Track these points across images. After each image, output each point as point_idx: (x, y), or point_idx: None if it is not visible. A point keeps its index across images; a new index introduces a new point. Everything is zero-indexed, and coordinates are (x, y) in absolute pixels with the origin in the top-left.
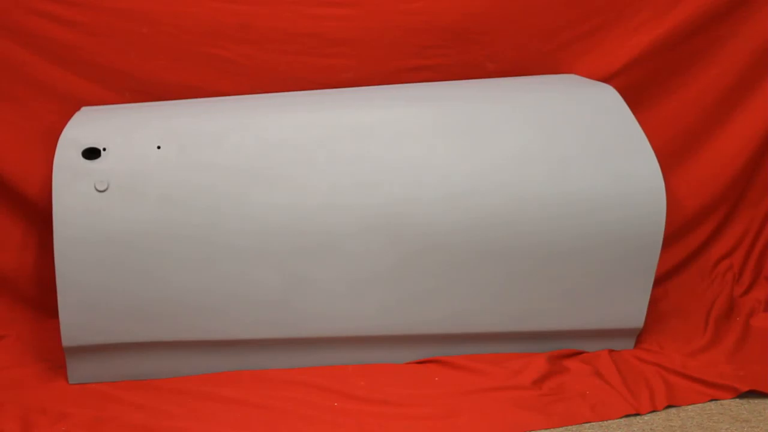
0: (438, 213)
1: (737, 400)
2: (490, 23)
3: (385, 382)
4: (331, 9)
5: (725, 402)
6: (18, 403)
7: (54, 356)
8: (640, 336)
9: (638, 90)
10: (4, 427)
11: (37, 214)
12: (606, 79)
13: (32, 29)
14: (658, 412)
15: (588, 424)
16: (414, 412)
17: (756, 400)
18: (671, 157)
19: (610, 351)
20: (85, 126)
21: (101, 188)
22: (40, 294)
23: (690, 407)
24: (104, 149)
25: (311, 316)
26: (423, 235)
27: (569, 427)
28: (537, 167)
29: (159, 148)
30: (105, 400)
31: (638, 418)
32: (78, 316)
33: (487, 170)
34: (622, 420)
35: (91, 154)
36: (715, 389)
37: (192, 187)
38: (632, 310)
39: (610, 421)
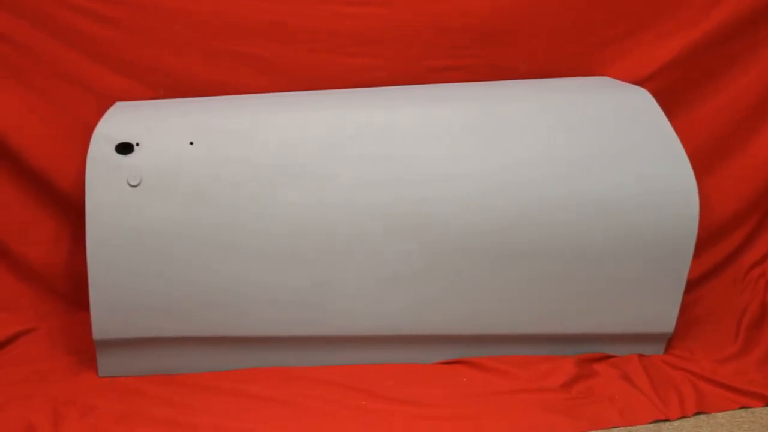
0: (466, 214)
1: None
2: (523, 24)
3: (413, 382)
4: (362, 8)
5: (756, 410)
6: (48, 395)
7: (84, 349)
8: (670, 341)
9: (672, 93)
10: (34, 419)
11: (70, 208)
12: (640, 82)
13: (68, 24)
14: (688, 419)
15: (616, 429)
16: (441, 413)
17: None
18: (705, 161)
19: (640, 356)
20: (119, 121)
21: (134, 183)
22: (71, 287)
23: (720, 414)
24: (137, 144)
25: (338, 315)
26: (451, 235)
27: None
28: (568, 170)
29: (192, 144)
30: (134, 393)
31: (667, 424)
32: (109, 310)
33: (517, 172)
34: (651, 425)
35: (124, 149)
36: (746, 397)
37: (223, 184)
38: (663, 315)
39: (638, 426)
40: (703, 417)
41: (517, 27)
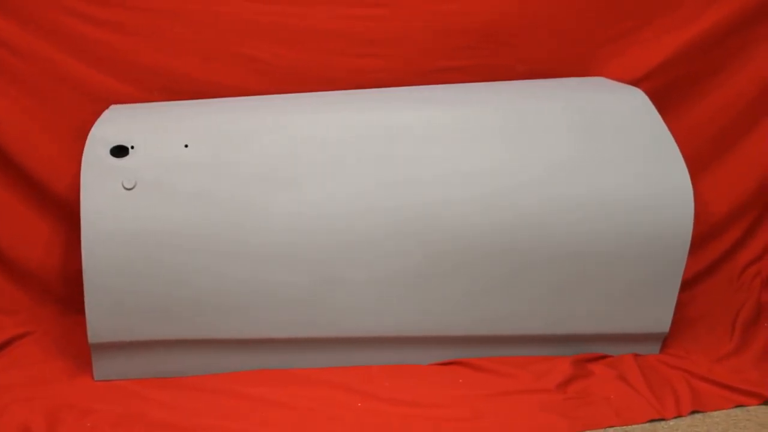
0: (465, 215)
1: (763, 406)
2: (521, 25)
3: (409, 383)
4: (363, 9)
5: (751, 408)
6: (45, 398)
7: (80, 352)
8: (665, 341)
9: (667, 93)
10: (31, 422)
11: (65, 211)
12: (635, 83)
13: (63, 28)
14: (683, 418)
15: (612, 429)
16: (438, 414)
17: None
18: (700, 161)
19: (636, 355)
20: (114, 124)
21: (129, 186)
22: (66, 290)
23: (715, 413)
24: (132, 147)
25: (337, 316)
26: (450, 237)
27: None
28: (563, 170)
29: (187, 146)
30: (131, 397)
31: (663, 423)
32: (104, 313)
33: (514, 173)
34: (647, 425)
35: (119, 151)
36: (741, 395)
37: (219, 186)
38: (658, 315)
39: (634, 426)
40: (698, 416)
41: (516, 28)
